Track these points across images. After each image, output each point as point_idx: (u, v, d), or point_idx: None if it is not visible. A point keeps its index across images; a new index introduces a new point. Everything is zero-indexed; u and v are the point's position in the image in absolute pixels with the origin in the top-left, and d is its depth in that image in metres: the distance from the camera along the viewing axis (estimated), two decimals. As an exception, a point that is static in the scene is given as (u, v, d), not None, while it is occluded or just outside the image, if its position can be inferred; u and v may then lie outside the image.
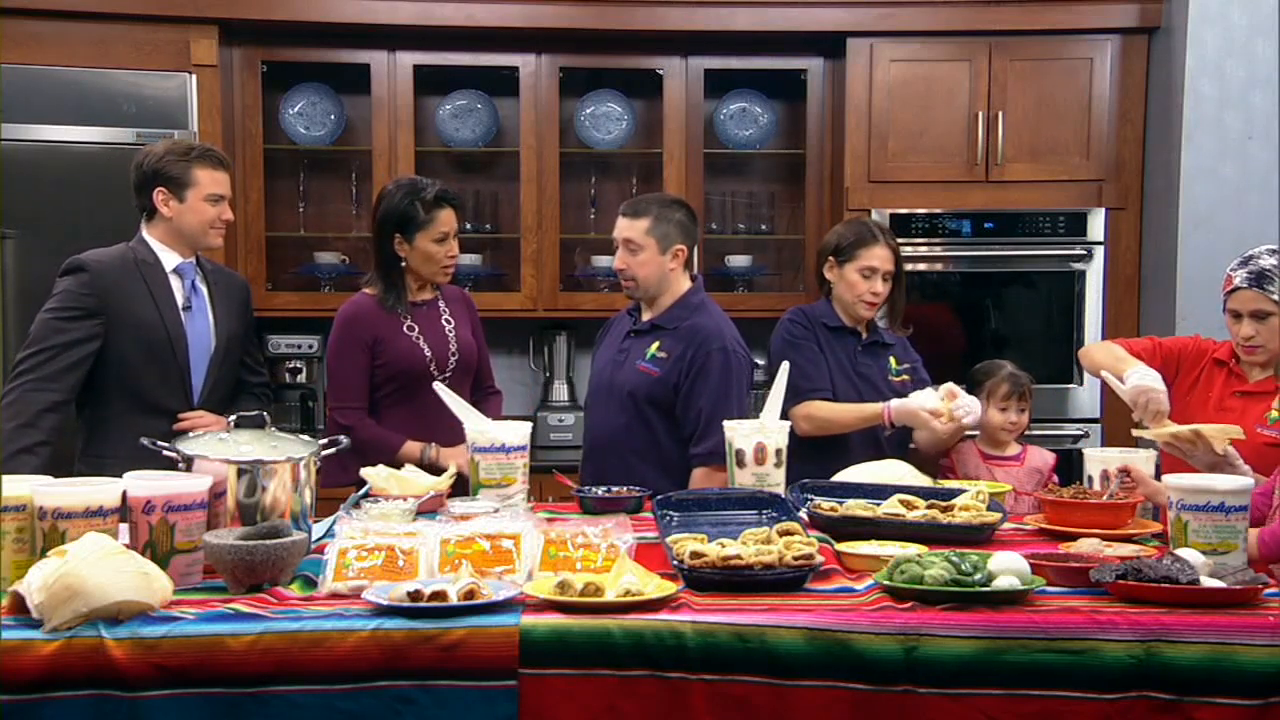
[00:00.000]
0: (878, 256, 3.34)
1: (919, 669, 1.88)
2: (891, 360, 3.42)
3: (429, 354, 3.30)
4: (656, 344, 3.25)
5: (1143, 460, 2.92)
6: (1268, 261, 2.97)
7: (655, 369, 3.22)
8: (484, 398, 3.42)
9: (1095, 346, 3.37)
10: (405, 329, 3.30)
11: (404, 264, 3.31)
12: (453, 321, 3.39)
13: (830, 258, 3.40)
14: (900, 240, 4.45)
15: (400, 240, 3.29)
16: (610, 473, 3.17)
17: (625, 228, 3.28)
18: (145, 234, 3.15)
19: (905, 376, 3.40)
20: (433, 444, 3.23)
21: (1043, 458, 3.50)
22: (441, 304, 3.40)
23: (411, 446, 3.23)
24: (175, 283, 3.14)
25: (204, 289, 3.20)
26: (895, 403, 3.22)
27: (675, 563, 2.13)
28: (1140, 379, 2.96)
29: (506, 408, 4.74)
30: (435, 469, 3.07)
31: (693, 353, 3.19)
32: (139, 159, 3.13)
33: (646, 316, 3.33)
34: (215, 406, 3.14)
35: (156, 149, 3.13)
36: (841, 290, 3.38)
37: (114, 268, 3.08)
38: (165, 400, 3.08)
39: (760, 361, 4.81)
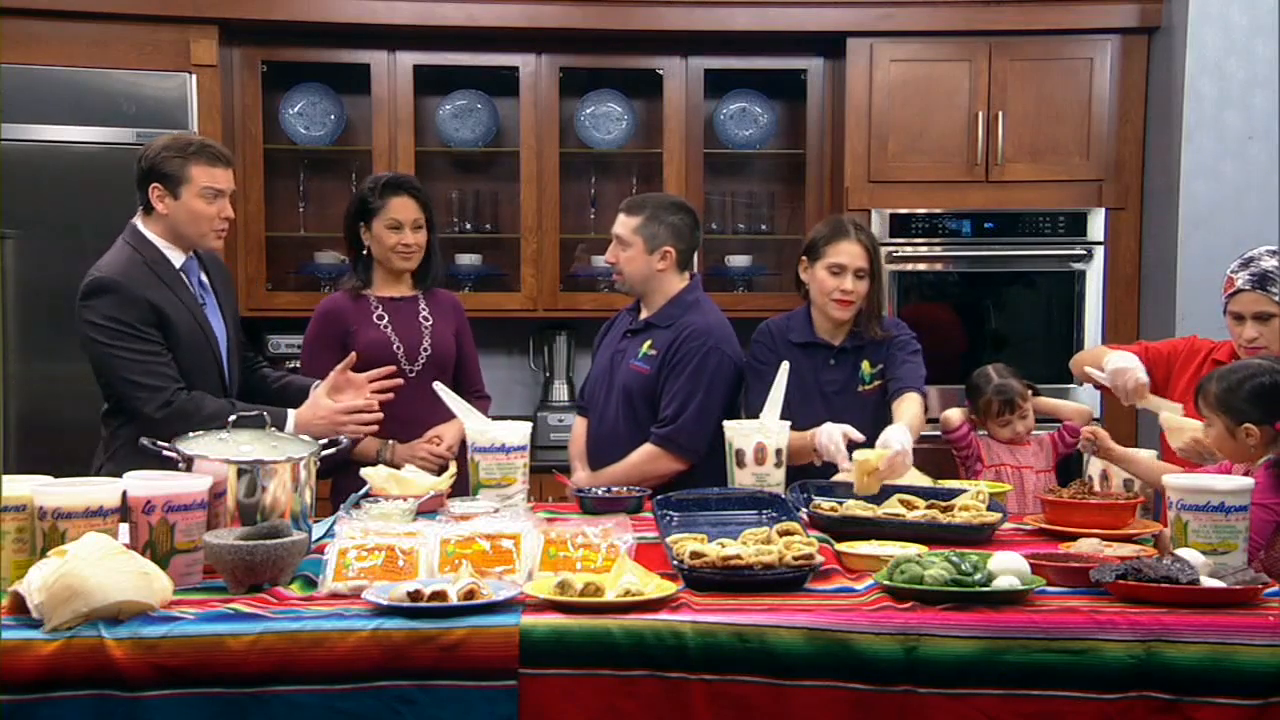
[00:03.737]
0: (846, 252, 3.15)
1: (919, 669, 1.88)
2: (864, 366, 3.24)
3: (397, 345, 3.32)
4: (648, 342, 3.27)
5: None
6: (1269, 263, 2.97)
7: (645, 367, 3.24)
8: (471, 402, 3.43)
9: (1081, 353, 3.40)
10: (374, 318, 3.34)
11: (368, 252, 3.37)
12: (431, 320, 3.41)
13: (803, 257, 3.26)
14: (900, 240, 4.50)
15: (364, 229, 3.35)
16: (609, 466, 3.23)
17: (620, 223, 3.32)
18: (143, 228, 3.02)
19: (876, 383, 3.21)
20: (390, 441, 3.25)
21: (1057, 436, 3.56)
22: (422, 303, 3.43)
23: (369, 444, 3.23)
24: (186, 280, 3.06)
25: (207, 281, 3.15)
26: (822, 439, 2.96)
27: (675, 563, 2.13)
28: (1114, 362, 3.03)
29: (507, 408, 4.78)
30: (392, 467, 3.05)
31: (676, 347, 3.21)
32: (142, 153, 3.04)
33: (643, 315, 3.35)
34: (239, 395, 3.10)
35: (157, 143, 3.04)
36: (814, 292, 3.22)
37: (137, 277, 2.94)
38: None
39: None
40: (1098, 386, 3.27)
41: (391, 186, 3.34)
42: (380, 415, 3.02)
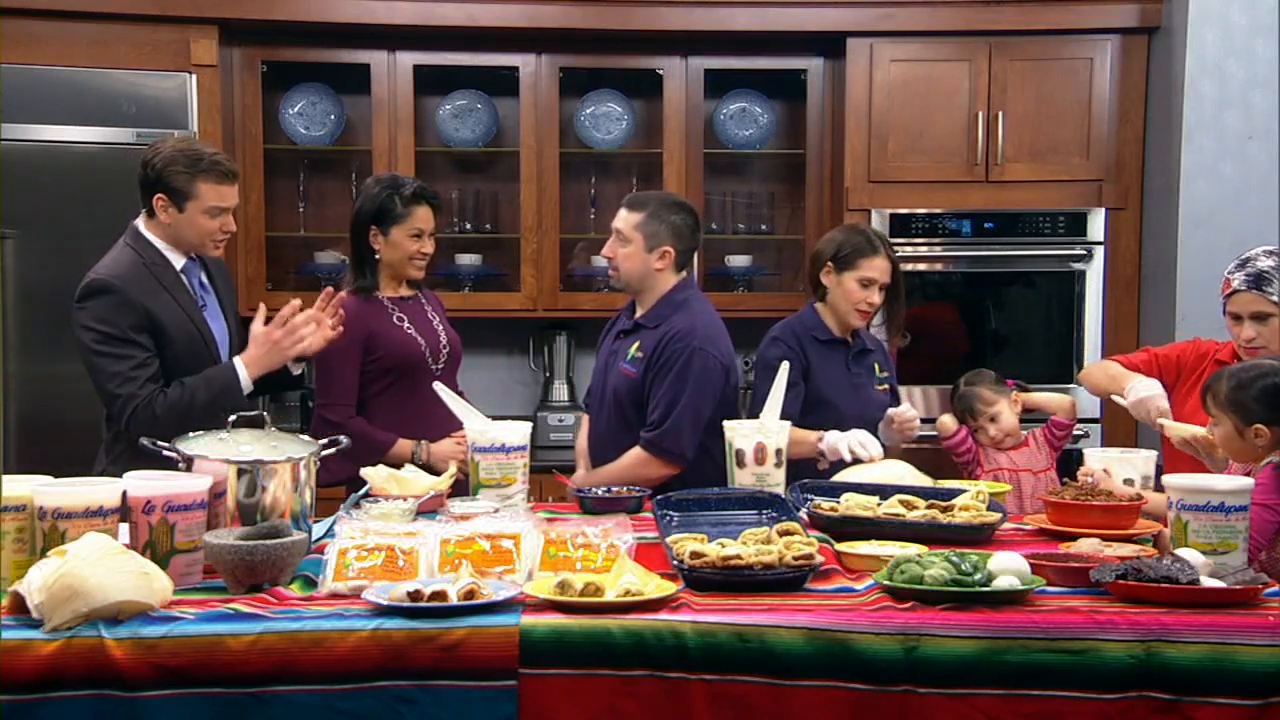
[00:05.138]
0: (877, 268, 3.30)
1: (919, 669, 1.88)
2: (875, 367, 3.43)
3: (423, 344, 3.33)
4: (636, 344, 3.26)
5: (1143, 460, 2.93)
6: (1265, 263, 2.97)
7: (633, 370, 3.24)
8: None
9: (1093, 368, 3.45)
10: (395, 320, 3.33)
11: (377, 257, 3.35)
12: (436, 316, 3.45)
13: (829, 263, 3.34)
14: (900, 240, 4.51)
15: (376, 233, 3.33)
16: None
17: (620, 218, 3.31)
18: (145, 230, 3.02)
19: (884, 386, 3.42)
20: (423, 442, 3.25)
21: (1046, 432, 3.56)
22: (423, 299, 3.46)
23: (403, 446, 3.24)
24: (185, 282, 3.05)
25: (208, 282, 3.14)
26: (828, 443, 3.12)
27: (675, 563, 2.13)
28: (1137, 392, 3.07)
29: (507, 408, 4.79)
30: (427, 468, 3.07)
31: (661, 350, 3.20)
32: (147, 156, 3.00)
33: (636, 315, 3.34)
34: None
35: (165, 151, 2.99)
36: (837, 298, 3.34)
37: (135, 280, 2.93)
38: None
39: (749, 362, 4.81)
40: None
41: (418, 196, 3.34)
42: (324, 319, 3.03)
